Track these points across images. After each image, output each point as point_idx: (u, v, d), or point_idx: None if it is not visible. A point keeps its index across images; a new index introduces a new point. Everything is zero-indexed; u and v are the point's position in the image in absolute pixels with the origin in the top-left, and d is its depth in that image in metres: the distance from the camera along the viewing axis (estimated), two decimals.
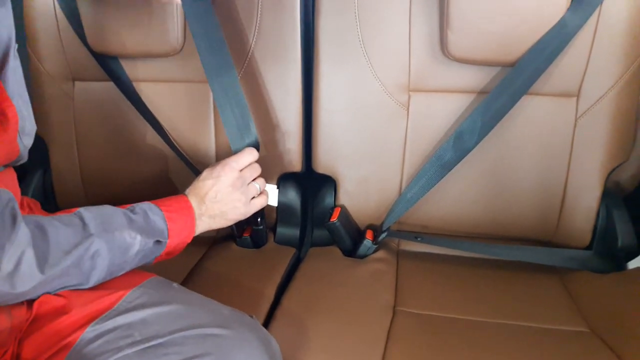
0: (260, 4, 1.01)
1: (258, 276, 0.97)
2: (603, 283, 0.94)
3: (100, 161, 1.15)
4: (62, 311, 0.65)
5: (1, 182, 0.69)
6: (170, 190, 1.15)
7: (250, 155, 0.89)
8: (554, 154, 0.99)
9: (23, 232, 0.57)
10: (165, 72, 1.08)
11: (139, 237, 0.69)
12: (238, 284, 0.95)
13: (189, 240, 0.78)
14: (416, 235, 1.05)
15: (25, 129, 0.71)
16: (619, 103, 0.95)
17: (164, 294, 0.71)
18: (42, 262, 0.59)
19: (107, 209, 0.70)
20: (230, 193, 0.84)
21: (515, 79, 0.92)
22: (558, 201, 1.01)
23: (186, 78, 1.07)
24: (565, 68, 0.94)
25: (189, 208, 0.79)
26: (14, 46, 0.69)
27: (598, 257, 1.00)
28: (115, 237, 0.67)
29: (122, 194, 1.16)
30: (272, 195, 0.97)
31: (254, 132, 0.94)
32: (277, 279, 0.97)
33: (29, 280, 0.58)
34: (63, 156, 1.16)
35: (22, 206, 0.83)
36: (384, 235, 1.03)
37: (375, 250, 1.05)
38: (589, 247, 1.03)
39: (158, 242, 0.73)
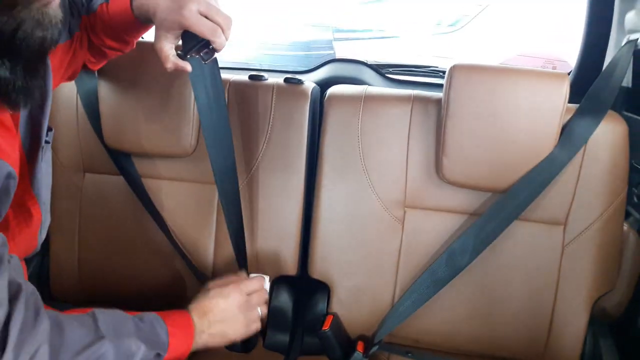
0: (272, 117, 1.08)
1: None
2: None
3: (99, 253, 1.16)
4: None
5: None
6: (165, 288, 1.15)
7: (259, 282, 0.95)
8: (542, 279, 1.02)
9: (43, 328, 0.59)
10: (174, 171, 1.13)
11: (142, 347, 0.70)
12: None
13: (184, 358, 0.79)
14: (407, 350, 1.06)
15: (45, 223, 0.75)
16: (604, 234, 1.00)
17: None
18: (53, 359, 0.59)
19: (118, 314, 0.72)
20: (236, 315, 0.86)
21: (506, 205, 0.98)
22: (546, 325, 1.03)
23: (194, 179, 1.12)
24: (554, 198, 1.00)
25: (190, 326, 0.80)
26: (43, 146, 0.73)
27: None
28: (124, 343, 0.68)
29: (117, 288, 1.16)
30: (265, 283, 1.01)
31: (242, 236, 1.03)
32: None
33: None
34: (63, 244, 1.17)
35: None
36: (375, 348, 1.04)
37: None
38: None
39: (158, 355, 0.74)
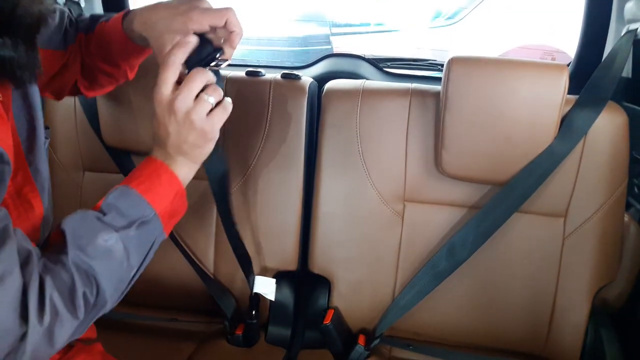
0: (269, 113, 1.08)
1: None
2: None
3: None
4: None
5: None
6: (166, 283, 1.16)
7: (198, 79, 0.67)
8: (543, 271, 1.02)
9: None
10: None
11: (114, 235, 0.62)
12: None
13: (182, 191, 0.70)
14: (408, 343, 1.06)
15: (48, 219, 0.73)
16: (605, 225, 0.99)
17: None
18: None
19: (76, 221, 0.63)
20: (190, 124, 0.67)
21: (506, 197, 0.97)
22: (547, 317, 1.03)
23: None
24: (554, 190, 1.00)
25: (157, 165, 0.69)
26: (44, 136, 0.73)
27: None
28: (93, 249, 0.61)
29: None
30: (269, 289, 1.00)
31: None
32: None
33: None
34: None
35: None
36: (376, 341, 1.04)
37: (367, 356, 1.05)
38: None
39: (143, 223, 0.65)
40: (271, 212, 1.10)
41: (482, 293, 1.05)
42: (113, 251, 0.62)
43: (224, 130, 1.09)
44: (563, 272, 1.01)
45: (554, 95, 0.93)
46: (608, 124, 0.98)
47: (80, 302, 0.58)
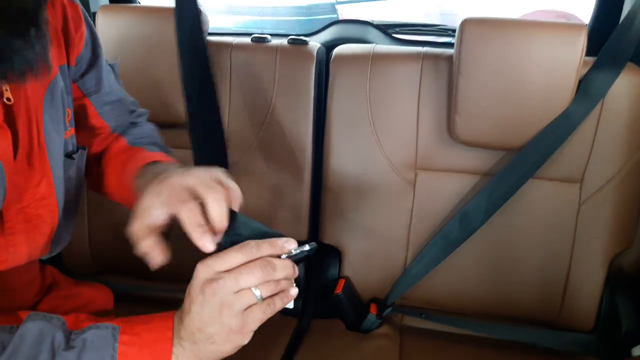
0: (276, 80, 1.05)
1: (260, 348, 0.96)
2: None
3: (106, 226, 1.15)
4: None
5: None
6: (180, 253, 1.15)
7: (286, 266, 0.56)
8: (558, 238, 1.00)
9: None
10: (180, 139, 1.10)
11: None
12: (240, 355, 0.93)
13: None
14: (420, 311, 1.05)
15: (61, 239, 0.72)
16: (622, 191, 0.97)
17: None
18: None
19: (33, 337, 0.52)
20: (210, 310, 0.53)
21: (520, 163, 0.95)
22: (561, 284, 1.02)
23: (190, 146, 1.10)
24: (569, 155, 0.97)
25: (163, 338, 0.55)
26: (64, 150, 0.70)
27: (602, 342, 1.00)
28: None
29: (126, 259, 1.15)
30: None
31: None
32: (280, 351, 0.96)
33: None
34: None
35: (44, 275, 0.84)
36: (388, 310, 1.04)
37: (379, 325, 1.05)
38: (593, 331, 1.02)
39: None
40: (280, 181, 1.08)
41: (495, 261, 1.04)
42: None
43: (230, 98, 1.08)
44: (578, 239, 1.00)
45: (571, 57, 0.89)
46: (627, 86, 0.94)
47: None
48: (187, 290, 0.56)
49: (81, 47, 0.72)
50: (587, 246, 1.00)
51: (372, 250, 1.07)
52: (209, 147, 0.94)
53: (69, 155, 0.71)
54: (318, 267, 1.15)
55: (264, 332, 1.00)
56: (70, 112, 0.72)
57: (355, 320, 1.06)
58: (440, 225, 1.03)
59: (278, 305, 0.55)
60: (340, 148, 1.04)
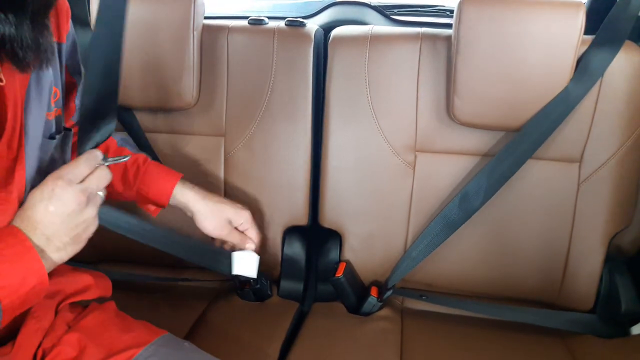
0: (274, 62, 1.04)
1: (262, 332, 0.97)
2: (607, 348, 0.94)
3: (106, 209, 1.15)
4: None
5: None
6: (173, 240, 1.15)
7: (87, 162, 0.64)
8: (557, 218, 1.00)
9: None
10: (178, 124, 1.10)
11: None
12: (242, 340, 0.94)
13: (42, 284, 0.58)
14: (421, 294, 1.06)
15: None
16: (621, 170, 0.97)
17: (176, 354, 0.71)
18: None
19: None
20: (77, 215, 0.62)
21: (519, 143, 0.95)
22: (561, 264, 1.02)
23: (198, 131, 1.09)
24: (569, 135, 0.97)
25: (23, 245, 0.58)
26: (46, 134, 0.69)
27: (602, 321, 1.00)
28: None
29: (126, 243, 1.15)
30: (252, 265, 0.93)
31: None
32: (282, 335, 0.96)
33: None
34: None
35: None
36: (389, 293, 1.04)
37: (380, 308, 1.05)
38: (592, 311, 1.03)
39: None
40: (279, 166, 1.08)
41: (495, 242, 1.04)
42: None
43: (227, 83, 1.07)
44: (578, 219, 1.00)
45: (569, 35, 0.89)
46: (625, 64, 0.94)
47: None
48: (42, 203, 0.60)
49: (69, 25, 0.72)
50: (587, 225, 1.00)
51: (372, 233, 1.07)
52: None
53: (51, 137, 0.68)
54: (319, 252, 1.15)
55: (265, 317, 1.02)
56: (58, 91, 0.70)
57: (356, 303, 1.06)
58: (440, 207, 1.03)
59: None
60: (339, 130, 1.04)
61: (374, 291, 1.05)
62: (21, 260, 0.57)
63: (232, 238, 0.94)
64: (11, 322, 0.65)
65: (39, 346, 0.68)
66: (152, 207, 0.94)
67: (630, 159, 0.97)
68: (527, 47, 0.90)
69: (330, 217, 1.09)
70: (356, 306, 1.05)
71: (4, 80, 0.58)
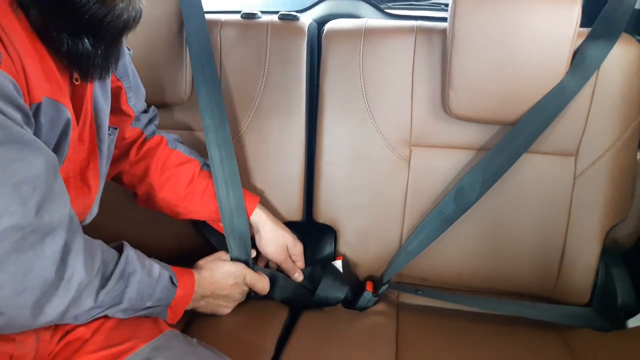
0: (268, 57, 1.03)
1: (257, 328, 0.96)
2: (604, 341, 0.94)
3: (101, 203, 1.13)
4: (86, 345, 0.69)
5: None
6: (164, 234, 1.14)
7: (264, 284, 0.99)
8: (553, 212, 1.00)
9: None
10: (171, 120, 1.09)
11: (158, 268, 0.77)
12: (238, 336, 0.93)
13: (188, 299, 0.84)
14: (417, 288, 1.05)
15: (98, 199, 0.78)
16: (617, 163, 0.97)
17: (184, 347, 0.73)
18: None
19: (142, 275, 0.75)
20: (233, 296, 0.95)
21: (515, 137, 0.94)
22: (557, 258, 1.02)
23: (191, 127, 1.09)
24: (564, 128, 0.96)
25: (192, 285, 0.85)
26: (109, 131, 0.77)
27: (598, 314, 1.00)
28: (145, 263, 0.75)
29: (120, 237, 1.15)
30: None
31: (239, 190, 0.97)
32: (277, 331, 0.96)
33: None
34: None
35: None
36: (384, 287, 1.03)
37: (375, 303, 1.04)
38: (588, 304, 1.03)
39: (172, 282, 0.79)
40: (273, 161, 1.07)
41: (491, 236, 1.04)
42: (152, 272, 0.76)
43: (220, 78, 1.06)
44: (574, 212, 1.00)
45: (565, 28, 0.88)
46: (621, 57, 0.94)
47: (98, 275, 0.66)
48: (225, 278, 0.92)
49: None
50: (583, 219, 1.00)
51: (367, 228, 1.07)
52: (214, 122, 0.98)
53: (110, 132, 0.79)
54: (314, 247, 1.14)
55: (261, 312, 1.01)
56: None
57: (352, 298, 1.05)
58: (435, 202, 1.03)
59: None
60: (334, 125, 1.03)
61: (369, 286, 1.04)
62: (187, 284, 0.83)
63: (287, 265, 1.04)
64: None
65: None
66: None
67: (626, 152, 0.96)
68: (522, 40, 0.89)
69: (325, 212, 1.08)
70: (351, 301, 1.05)
71: (80, 80, 0.66)
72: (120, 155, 0.94)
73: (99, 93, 0.73)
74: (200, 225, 1.08)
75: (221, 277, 0.91)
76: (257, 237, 1.01)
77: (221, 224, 0.97)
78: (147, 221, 1.12)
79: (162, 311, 0.79)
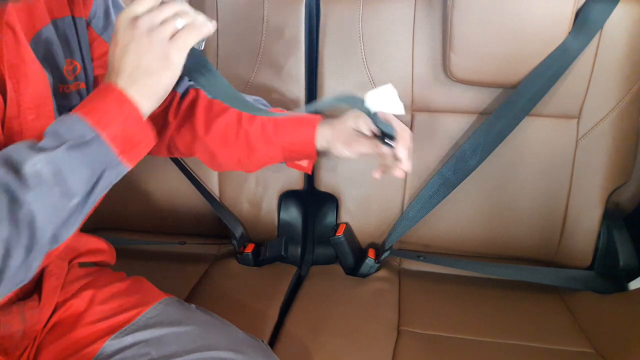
0: (265, 25, 1.02)
1: (261, 295, 0.97)
2: (605, 303, 0.95)
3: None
4: (81, 319, 0.68)
5: None
6: (170, 207, 1.15)
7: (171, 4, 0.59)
8: (555, 175, 1.00)
9: None
10: None
11: (42, 157, 0.52)
12: (241, 303, 0.94)
13: (138, 116, 0.57)
14: (418, 254, 1.06)
15: None
16: (620, 125, 0.96)
17: (181, 313, 0.73)
18: None
19: (9, 149, 0.54)
20: (138, 44, 0.57)
21: (517, 100, 0.93)
22: (559, 221, 1.02)
23: None
24: (567, 90, 0.95)
25: (104, 87, 0.58)
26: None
27: (599, 277, 1.00)
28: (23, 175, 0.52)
29: (124, 209, 1.15)
30: (394, 102, 0.75)
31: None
32: (280, 298, 0.97)
33: None
34: None
35: None
36: (386, 254, 1.04)
37: (377, 269, 1.05)
38: (590, 268, 1.03)
39: (79, 144, 0.53)
40: None
41: (492, 201, 1.03)
42: (42, 175, 0.52)
43: (218, 45, 1.05)
44: (576, 175, 0.99)
45: None
46: (625, 16, 0.92)
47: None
48: (113, 43, 0.58)
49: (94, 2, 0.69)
50: (585, 182, 0.99)
51: (369, 195, 1.07)
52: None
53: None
54: (316, 215, 1.14)
55: (264, 280, 1.02)
56: (78, 65, 0.67)
57: (354, 264, 1.06)
58: (437, 167, 1.02)
59: (201, 29, 0.58)
60: (333, 91, 1.02)
61: (371, 253, 1.05)
62: (103, 98, 0.56)
63: (365, 148, 0.80)
64: (34, 278, 0.68)
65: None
66: (304, 164, 0.86)
67: (629, 113, 0.95)
68: (523, 1, 0.87)
69: (326, 180, 1.08)
70: (354, 268, 1.06)
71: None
72: (162, 123, 0.83)
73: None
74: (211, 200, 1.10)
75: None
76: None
77: (300, 162, 0.86)
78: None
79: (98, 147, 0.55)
